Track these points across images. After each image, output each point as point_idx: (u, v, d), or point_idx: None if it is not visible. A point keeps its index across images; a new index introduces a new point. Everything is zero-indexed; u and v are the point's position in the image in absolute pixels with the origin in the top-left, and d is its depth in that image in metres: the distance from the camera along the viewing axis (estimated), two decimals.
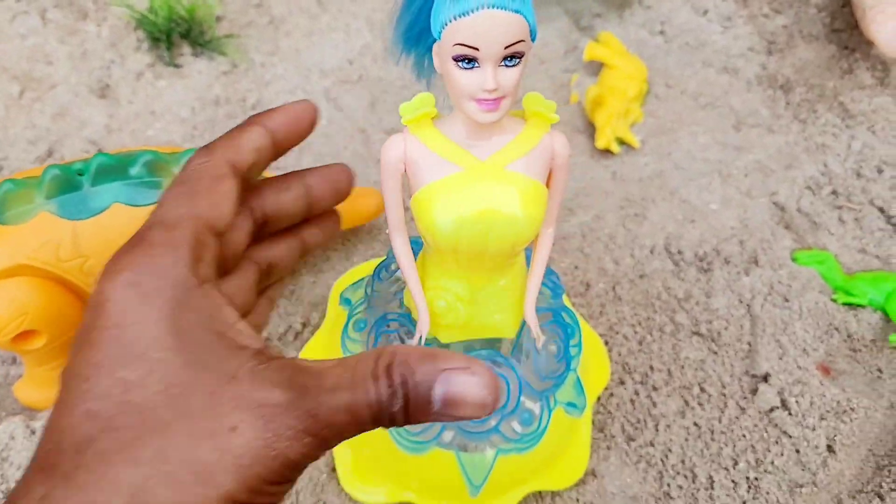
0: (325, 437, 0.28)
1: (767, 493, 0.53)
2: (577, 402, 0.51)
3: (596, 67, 0.78)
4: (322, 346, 0.56)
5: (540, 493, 0.54)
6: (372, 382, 0.29)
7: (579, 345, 0.51)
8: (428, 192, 0.38)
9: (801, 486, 0.54)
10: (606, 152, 0.72)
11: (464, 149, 0.38)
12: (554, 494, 0.54)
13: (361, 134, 0.72)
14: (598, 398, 0.58)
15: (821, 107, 0.77)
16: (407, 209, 0.41)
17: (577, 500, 0.54)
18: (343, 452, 0.53)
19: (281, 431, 0.27)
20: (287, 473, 0.28)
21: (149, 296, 0.28)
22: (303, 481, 0.53)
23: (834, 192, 0.70)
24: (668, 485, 0.54)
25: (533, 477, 0.53)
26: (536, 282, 0.43)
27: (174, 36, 0.77)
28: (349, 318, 0.50)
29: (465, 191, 0.38)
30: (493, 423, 0.46)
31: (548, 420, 0.48)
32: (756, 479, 0.54)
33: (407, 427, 0.45)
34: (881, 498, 0.53)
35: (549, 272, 0.50)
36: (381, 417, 0.29)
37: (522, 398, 0.46)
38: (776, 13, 0.85)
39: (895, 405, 0.58)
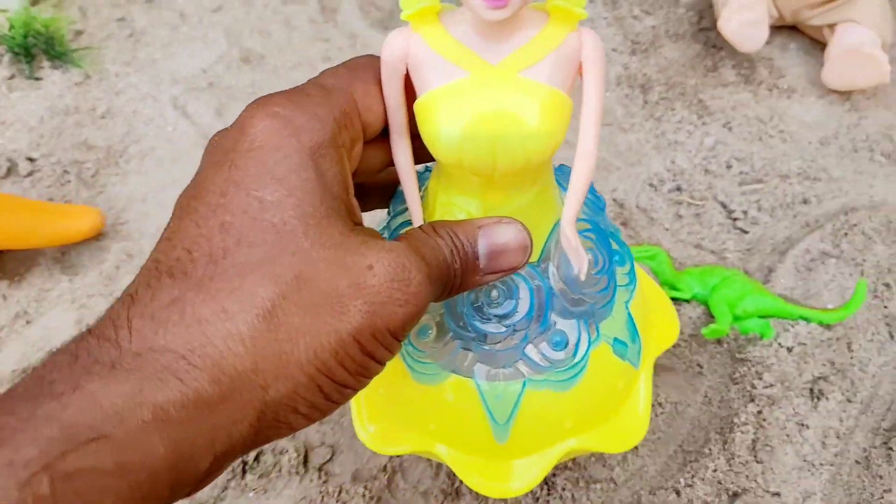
0: (435, 292, 0.29)
1: (563, 489, 0.51)
2: (629, 342, 0.44)
3: None
4: None
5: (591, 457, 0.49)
6: (438, 240, 0.30)
7: (632, 275, 0.45)
8: (429, 99, 0.34)
9: (597, 483, 0.52)
10: None
11: (472, 50, 0.33)
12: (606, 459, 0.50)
13: (205, 140, 0.72)
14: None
15: (679, 104, 0.76)
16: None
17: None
18: (357, 400, 0.47)
19: (410, 276, 0.27)
20: (405, 329, 0.28)
21: (296, 129, 0.28)
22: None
23: (678, 188, 0.69)
24: None
25: (577, 430, 0.45)
26: (575, 200, 0.36)
27: (34, 50, 0.78)
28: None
29: (471, 99, 0.33)
30: (516, 339, 0.40)
31: (587, 350, 0.42)
32: (553, 475, 0.52)
33: (418, 348, 0.42)
34: (678, 493, 0.51)
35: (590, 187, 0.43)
36: (449, 277, 0.30)
37: (552, 316, 0.41)
38: (646, 14, 0.85)
39: (712, 400, 0.56)
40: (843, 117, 0.74)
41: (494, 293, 0.40)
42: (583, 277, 0.39)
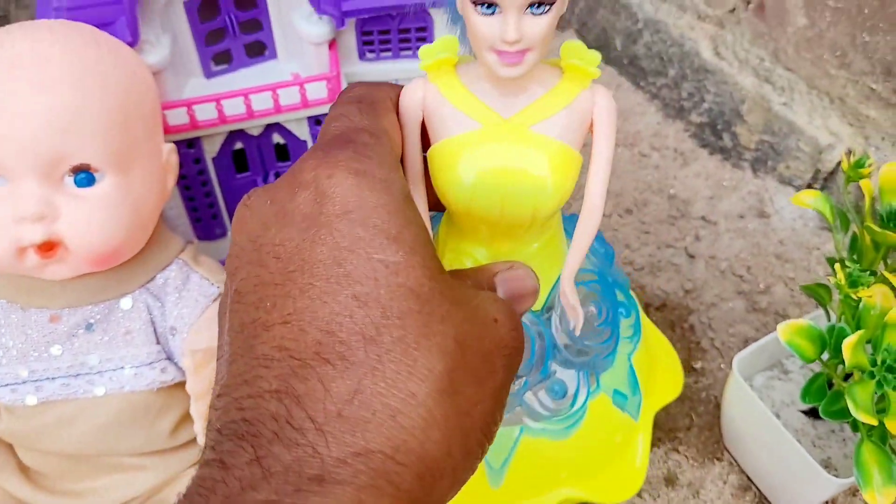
0: None
1: None
2: (629, 394, 0.45)
3: None
4: None
5: None
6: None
7: (637, 327, 0.46)
8: (442, 148, 0.35)
9: None
10: None
11: (485, 103, 0.34)
12: None
13: None
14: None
15: None
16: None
17: None
18: None
19: (518, 322, 0.27)
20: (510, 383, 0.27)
21: (385, 184, 0.26)
22: None
23: None
24: None
25: (572, 479, 0.47)
26: (577, 256, 0.38)
27: None
28: None
29: (483, 151, 0.34)
30: (516, 387, 0.41)
31: (585, 400, 0.43)
32: None
33: None
34: None
35: (600, 238, 0.45)
36: None
37: (553, 365, 0.42)
38: None
39: None
40: None
41: None
42: (577, 333, 0.40)
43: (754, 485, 0.53)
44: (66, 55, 0.38)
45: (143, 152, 0.41)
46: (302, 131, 0.54)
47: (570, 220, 0.45)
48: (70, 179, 0.38)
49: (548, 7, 0.30)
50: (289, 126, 0.53)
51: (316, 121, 0.53)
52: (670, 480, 0.53)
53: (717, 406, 0.56)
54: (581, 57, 0.34)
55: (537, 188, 0.35)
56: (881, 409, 0.40)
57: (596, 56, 0.34)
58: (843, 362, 0.39)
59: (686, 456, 0.54)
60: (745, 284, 0.62)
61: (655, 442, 0.54)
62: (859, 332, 0.39)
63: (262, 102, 0.50)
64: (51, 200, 0.38)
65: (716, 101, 0.69)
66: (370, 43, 0.52)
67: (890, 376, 0.39)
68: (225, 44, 0.50)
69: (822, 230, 0.65)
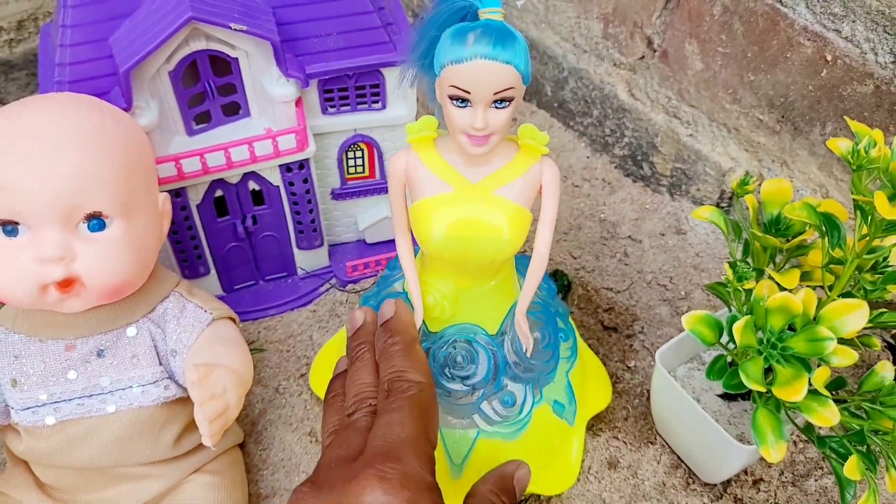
0: None
1: None
2: (566, 404, 0.55)
3: None
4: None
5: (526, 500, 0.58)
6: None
7: (574, 349, 0.55)
8: (422, 206, 0.45)
9: None
10: None
11: (457, 171, 0.44)
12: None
13: None
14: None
15: None
16: None
17: None
18: None
19: None
20: None
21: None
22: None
23: None
24: None
25: None
26: (528, 294, 0.48)
27: None
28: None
29: (454, 209, 0.44)
30: (474, 397, 0.50)
31: (531, 409, 0.52)
32: None
33: None
34: None
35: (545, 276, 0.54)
36: None
37: (505, 380, 0.51)
38: None
39: None
40: None
41: (459, 359, 0.51)
42: (528, 355, 0.50)
43: (683, 462, 0.61)
44: (76, 122, 0.45)
45: (143, 201, 0.49)
46: (275, 177, 0.62)
47: (520, 259, 0.54)
48: (84, 225, 0.45)
49: (507, 103, 0.40)
50: (263, 173, 0.61)
51: (287, 168, 0.61)
52: (612, 464, 0.61)
53: (649, 398, 0.64)
54: (534, 137, 0.44)
55: (497, 239, 0.45)
56: (770, 381, 0.48)
57: (545, 137, 0.44)
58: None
59: (625, 442, 0.62)
60: (668, 292, 0.71)
61: (598, 432, 0.62)
62: (747, 317, 0.48)
63: (239, 154, 0.58)
64: (68, 244, 0.45)
65: (634, 136, 0.78)
66: (331, 99, 0.61)
67: (774, 352, 0.48)
68: (205, 105, 0.58)
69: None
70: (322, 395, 0.60)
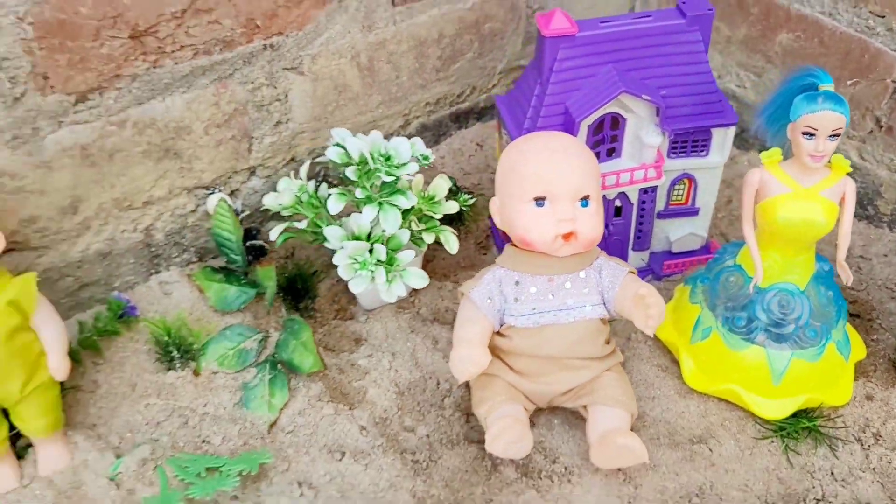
0: None
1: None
2: (843, 347, 0.85)
3: None
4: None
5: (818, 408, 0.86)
6: None
7: (844, 313, 0.85)
8: (771, 202, 0.77)
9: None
10: None
11: (794, 179, 0.77)
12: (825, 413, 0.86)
13: None
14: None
15: None
16: None
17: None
18: (686, 359, 0.89)
19: None
20: None
21: None
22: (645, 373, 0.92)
23: None
24: None
25: (814, 388, 0.84)
26: (844, 248, 0.80)
27: None
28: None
29: (793, 203, 0.76)
30: (790, 328, 0.81)
31: (825, 341, 0.82)
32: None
33: (734, 323, 0.84)
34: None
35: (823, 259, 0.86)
36: None
37: (810, 319, 0.81)
38: (418, 422, 0.87)
39: None
40: (621, 488, 0.81)
41: (783, 304, 0.81)
42: (849, 284, 0.81)
43: None
44: (576, 143, 0.81)
45: (599, 193, 0.82)
46: (633, 196, 0.95)
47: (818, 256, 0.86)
48: (579, 203, 0.79)
49: (836, 137, 0.73)
50: (629, 193, 0.94)
51: (644, 190, 0.94)
52: (869, 397, 0.88)
53: (890, 359, 0.92)
54: (842, 162, 0.77)
55: (820, 224, 0.77)
56: None
57: (847, 162, 0.77)
58: None
59: (876, 384, 0.89)
60: (895, 293, 1.00)
61: (857, 377, 0.90)
62: None
63: (624, 178, 0.92)
64: (573, 212, 0.78)
65: (862, 187, 1.08)
66: (675, 146, 0.94)
67: None
68: (597, 150, 0.92)
69: None
70: (667, 342, 0.91)
